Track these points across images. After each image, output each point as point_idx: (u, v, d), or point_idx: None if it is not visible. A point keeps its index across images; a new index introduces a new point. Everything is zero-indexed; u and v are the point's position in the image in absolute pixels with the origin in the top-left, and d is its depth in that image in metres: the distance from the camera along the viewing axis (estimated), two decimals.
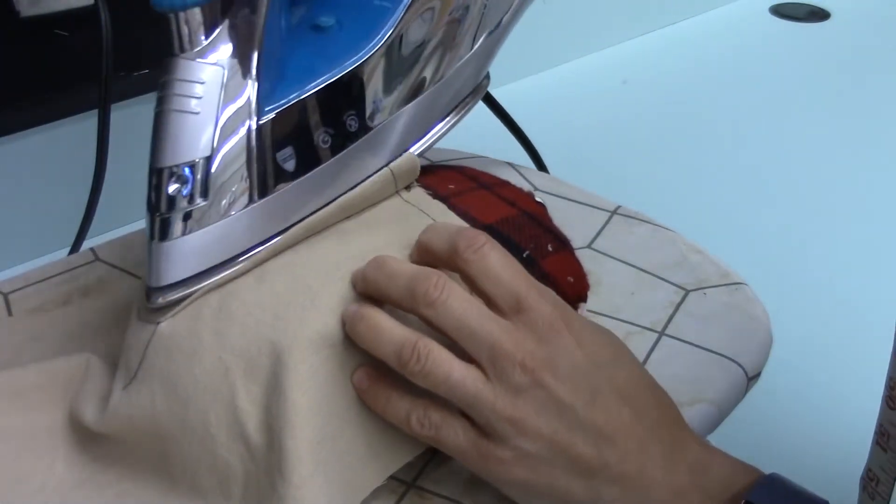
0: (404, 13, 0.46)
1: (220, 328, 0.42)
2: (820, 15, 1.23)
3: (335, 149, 0.45)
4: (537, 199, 0.53)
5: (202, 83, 0.40)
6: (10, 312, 0.52)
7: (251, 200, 0.42)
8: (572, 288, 0.49)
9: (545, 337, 0.39)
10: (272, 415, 0.40)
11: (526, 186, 0.61)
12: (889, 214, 0.84)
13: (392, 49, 0.46)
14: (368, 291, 0.42)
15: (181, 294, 0.42)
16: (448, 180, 0.51)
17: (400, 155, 0.49)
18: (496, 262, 0.40)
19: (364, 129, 0.46)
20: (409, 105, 0.48)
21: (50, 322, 0.51)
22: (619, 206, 0.62)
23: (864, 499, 0.44)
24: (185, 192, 0.41)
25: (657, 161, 0.92)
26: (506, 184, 0.54)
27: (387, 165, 0.48)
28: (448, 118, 0.51)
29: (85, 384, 0.45)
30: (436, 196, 0.49)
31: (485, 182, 0.53)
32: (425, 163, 0.61)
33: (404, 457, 0.42)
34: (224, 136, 0.41)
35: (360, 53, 0.45)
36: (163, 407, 0.42)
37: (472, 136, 0.64)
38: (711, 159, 0.93)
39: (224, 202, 0.41)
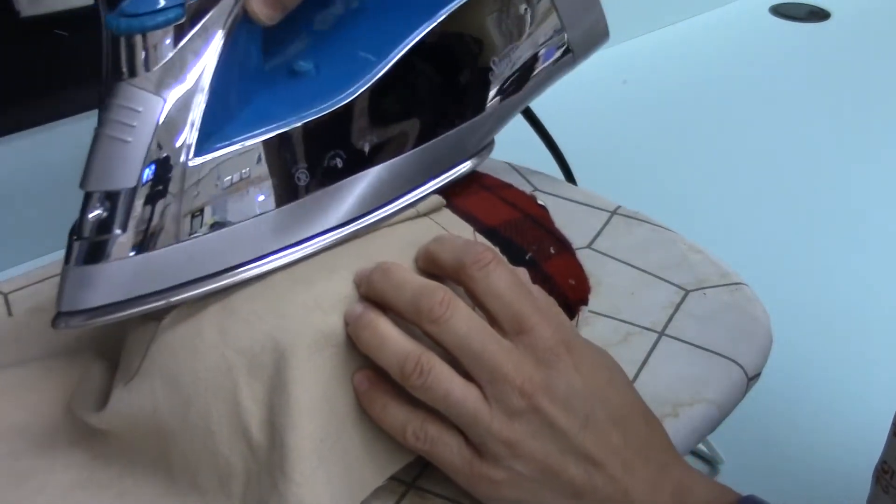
0: (387, 70, 0.43)
1: (224, 326, 0.42)
2: (820, 15, 1.23)
3: (271, 204, 0.42)
4: (539, 201, 0.53)
5: (139, 111, 0.38)
6: (10, 312, 0.52)
7: (172, 241, 0.40)
8: (574, 291, 0.49)
9: (544, 360, 0.39)
10: (274, 412, 0.40)
11: (525, 187, 0.61)
12: (889, 214, 0.84)
13: (363, 106, 0.43)
14: (372, 297, 0.42)
15: (83, 323, 0.41)
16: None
17: (357, 217, 0.45)
18: (501, 282, 0.40)
19: (312, 186, 0.43)
20: (376, 168, 0.44)
21: (50, 322, 0.51)
22: (618, 207, 0.62)
23: (877, 492, 0.44)
24: (103, 220, 0.39)
25: (657, 161, 0.92)
26: (508, 186, 0.54)
27: (340, 227, 0.44)
28: (425, 186, 0.46)
29: (85, 381, 0.46)
30: None
31: (487, 184, 0.53)
32: None
33: (405, 457, 0.42)
34: (151, 171, 0.39)
35: (324, 105, 0.42)
36: (164, 403, 0.42)
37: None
38: (711, 159, 0.93)
39: (141, 237, 0.40)
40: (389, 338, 0.40)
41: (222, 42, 0.39)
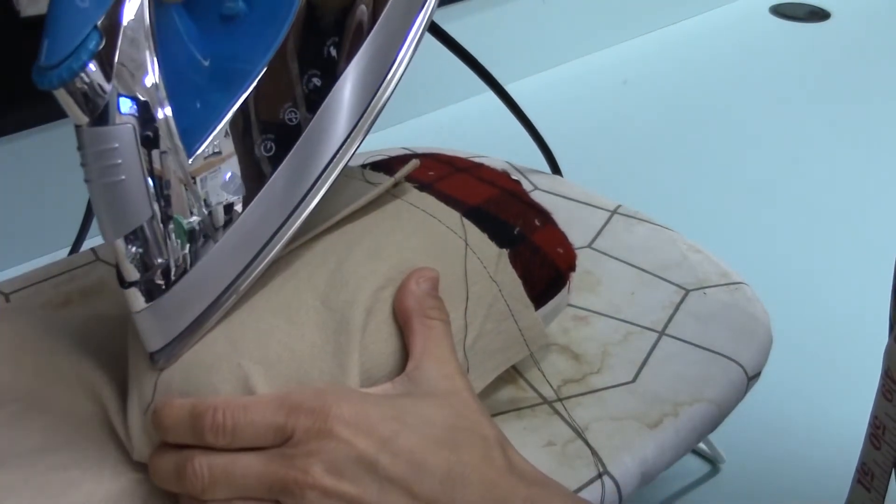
0: None
1: (234, 337, 0.42)
2: (820, 15, 1.24)
3: (284, 150, 0.42)
4: (513, 177, 0.53)
5: (115, 147, 0.37)
6: None
7: (214, 241, 0.40)
8: (562, 258, 0.49)
9: (314, 450, 0.38)
10: None
11: (526, 186, 0.61)
12: (889, 214, 0.84)
13: (310, 18, 0.41)
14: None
15: (179, 351, 0.41)
16: (426, 168, 0.51)
17: (364, 112, 0.44)
18: (239, 417, 0.39)
19: (307, 116, 0.42)
20: (352, 63, 0.43)
21: (50, 322, 0.51)
22: (619, 206, 0.62)
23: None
24: (142, 257, 0.39)
25: (657, 161, 0.92)
26: (480, 165, 0.54)
27: (355, 129, 0.43)
28: (403, 52, 0.45)
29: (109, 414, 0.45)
30: (421, 187, 0.49)
31: (461, 166, 0.53)
32: (402, 152, 0.61)
33: None
34: (160, 191, 0.39)
35: (277, 35, 0.41)
36: None
37: (484, 136, 0.64)
38: (711, 159, 0.93)
39: (185, 253, 0.40)
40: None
41: (152, 33, 0.38)
